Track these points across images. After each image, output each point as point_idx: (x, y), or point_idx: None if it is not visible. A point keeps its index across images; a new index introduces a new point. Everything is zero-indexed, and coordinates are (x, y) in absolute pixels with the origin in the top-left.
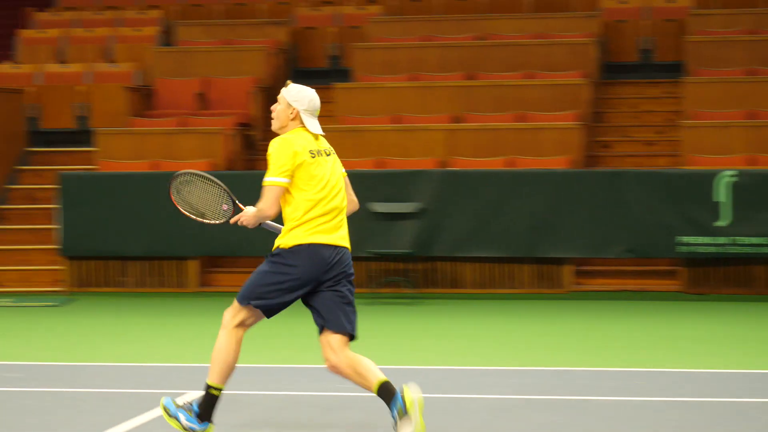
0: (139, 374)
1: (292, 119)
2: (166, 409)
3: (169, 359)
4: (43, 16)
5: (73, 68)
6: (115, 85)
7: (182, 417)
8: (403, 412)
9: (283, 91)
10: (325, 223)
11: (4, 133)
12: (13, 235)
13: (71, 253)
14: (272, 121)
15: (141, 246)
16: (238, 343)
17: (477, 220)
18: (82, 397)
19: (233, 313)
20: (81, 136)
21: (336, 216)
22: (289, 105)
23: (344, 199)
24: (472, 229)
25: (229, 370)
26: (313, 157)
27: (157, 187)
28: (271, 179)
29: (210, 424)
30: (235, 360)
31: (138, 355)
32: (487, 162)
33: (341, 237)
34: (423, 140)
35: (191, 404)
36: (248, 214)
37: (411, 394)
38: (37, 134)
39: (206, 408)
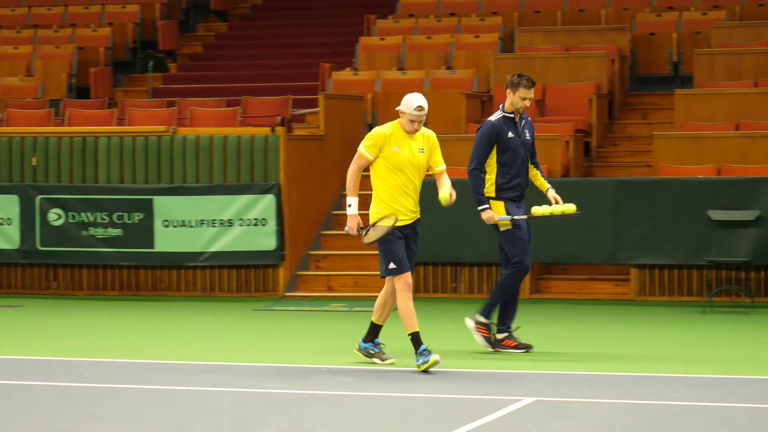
0: (477, 378)
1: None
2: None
3: (503, 366)
4: (384, 23)
5: (411, 75)
6: (454, 91)
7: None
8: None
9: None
10: None
11: (345, 140)
12: (347, 240)
13: None
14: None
15: (473, 253)
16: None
17: None
18: (415, 401)
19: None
20: None
21: None
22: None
23: None
24: None
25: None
26: None
27: None
28: None
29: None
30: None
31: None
32: None
33: None
34: (766, 147)
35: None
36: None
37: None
38: None
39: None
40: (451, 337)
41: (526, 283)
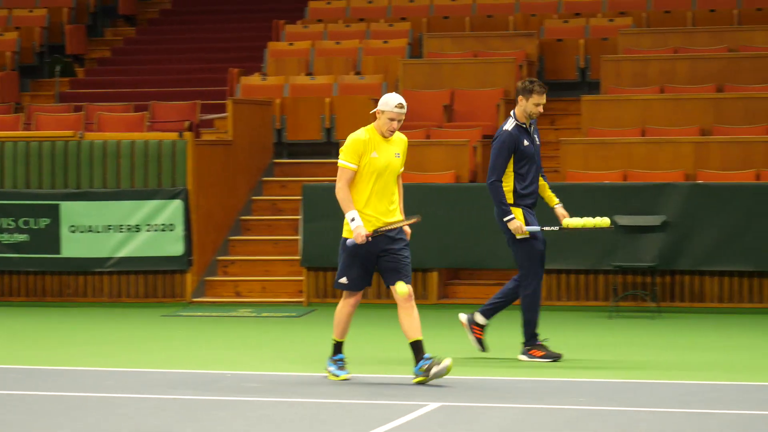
0: (383, 384)
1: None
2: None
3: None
4: (293, 28)
5: (320, 80)
6: (363, 97)
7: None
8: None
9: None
10: None
11: (254, 145)
12: (255, 245)
13: (312, 264)
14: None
15: None
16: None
17: (724, 234)
18: (319, 407)
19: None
20: (327, 147)
21: None
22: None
23: None
24: (718, 242)
25: None
26: None
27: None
28: None
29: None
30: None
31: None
32: (736, 175)
33: None
34: (671, 153)
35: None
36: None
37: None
38: (283, 145)
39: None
40: (360, 342)
41: (434, 288)
